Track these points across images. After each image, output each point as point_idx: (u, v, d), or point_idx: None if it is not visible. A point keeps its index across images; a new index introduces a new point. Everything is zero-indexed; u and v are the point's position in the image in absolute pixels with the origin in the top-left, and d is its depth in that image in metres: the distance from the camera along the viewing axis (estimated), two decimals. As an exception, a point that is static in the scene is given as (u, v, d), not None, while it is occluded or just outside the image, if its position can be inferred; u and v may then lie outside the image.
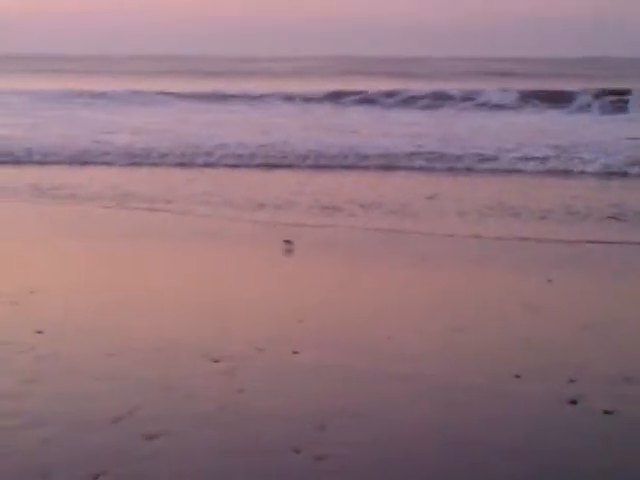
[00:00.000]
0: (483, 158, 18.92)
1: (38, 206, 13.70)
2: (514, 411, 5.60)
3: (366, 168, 18.50)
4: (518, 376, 6.14)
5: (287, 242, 10.55)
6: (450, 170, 18.16)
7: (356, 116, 29.19)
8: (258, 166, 18.87)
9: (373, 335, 7.15)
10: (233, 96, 34.61)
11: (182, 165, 19.06)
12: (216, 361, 6.43)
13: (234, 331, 7.24)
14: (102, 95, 34.80)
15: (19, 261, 9.98)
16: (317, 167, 18.62)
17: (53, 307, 8.00)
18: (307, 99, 33.38)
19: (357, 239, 11.29)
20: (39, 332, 7.10)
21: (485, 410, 5.63)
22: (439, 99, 32.12)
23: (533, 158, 18.76)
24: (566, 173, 17.78)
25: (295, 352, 6.64)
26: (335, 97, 33.48)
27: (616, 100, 30.64)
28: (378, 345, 6.89)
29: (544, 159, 18.67)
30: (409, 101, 32.28)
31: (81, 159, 19.54)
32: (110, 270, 9.53)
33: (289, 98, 33.51)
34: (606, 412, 5.48)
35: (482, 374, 6.23)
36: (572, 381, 6.02)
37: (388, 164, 18.75)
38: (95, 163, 19.21)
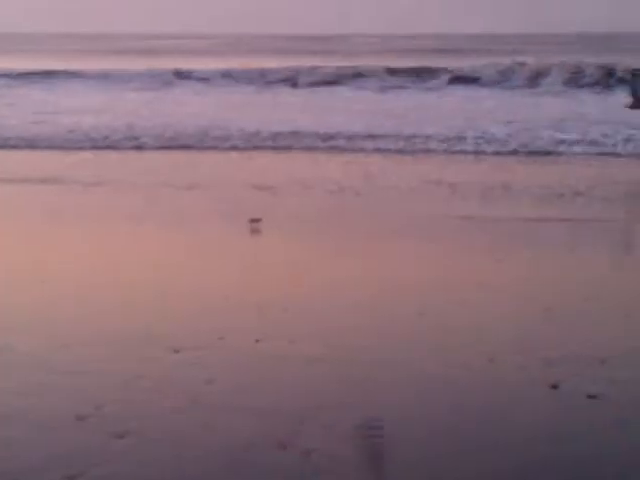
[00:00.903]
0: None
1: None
2: (494, 398, 5.45)
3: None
4: (492, 360, 5.99)
5: (254, 221, 10.19)
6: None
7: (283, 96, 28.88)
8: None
9: (332, 321, 6.94)
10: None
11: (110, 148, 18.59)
12: (177, 351, 6.17)
13: (190, 319, 6.99)
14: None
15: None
16: (258, 148, 18.33)
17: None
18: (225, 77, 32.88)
19: (304, 218, 11.06)
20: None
21: (465, 396, 5.46)
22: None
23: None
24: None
25: (257, 340, 6.41)
26: (260, 76, 32.97)
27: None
28: (340, 332, 6.67)
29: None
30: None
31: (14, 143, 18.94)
32: (56, 255, 9.17)
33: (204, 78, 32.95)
34: (590, 396, 5.36)
35: (454, 359, 6.06)
36: (548, 365, 5.89)
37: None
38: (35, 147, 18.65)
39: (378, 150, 17.84)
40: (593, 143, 17.92)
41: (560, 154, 17.23)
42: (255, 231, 10.01)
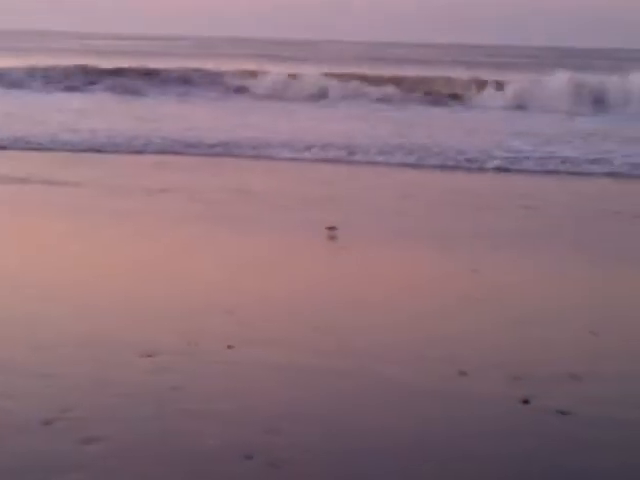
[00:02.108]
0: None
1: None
2: (465, 411, 5.42)
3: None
4: (464, 373, 5.97)
5: (330, 229, 10.00)
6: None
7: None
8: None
9: (305, 328, 6.90)
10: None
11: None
12: (149, 356, 6.10)
13: (161, 323, 6.94)
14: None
15: None
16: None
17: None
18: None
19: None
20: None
21: (434, 409, 5.44)
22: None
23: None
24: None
25: (229, 346, 6.36)
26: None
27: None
28: (312, 339, 6.64)
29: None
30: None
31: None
32: (24, 256, 9.11)
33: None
34: (561, 412, 5.32)
35: (426, 370, 6.05)
36: (517, 379, 5.86)
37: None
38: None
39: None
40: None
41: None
42: (332, 238, 9.93)
